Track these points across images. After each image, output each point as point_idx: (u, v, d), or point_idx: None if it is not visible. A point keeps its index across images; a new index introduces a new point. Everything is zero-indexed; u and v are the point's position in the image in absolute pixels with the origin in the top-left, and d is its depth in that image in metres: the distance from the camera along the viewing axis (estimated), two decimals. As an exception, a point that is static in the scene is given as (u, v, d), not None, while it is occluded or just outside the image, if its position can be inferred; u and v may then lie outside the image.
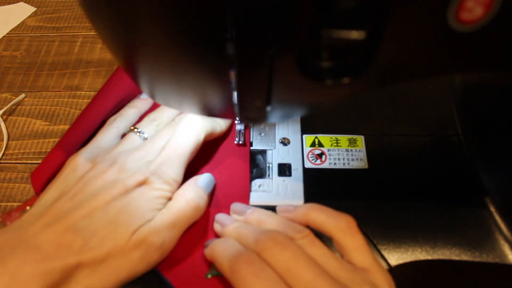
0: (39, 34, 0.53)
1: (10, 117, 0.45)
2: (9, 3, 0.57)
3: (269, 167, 0.35)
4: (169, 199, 0.30)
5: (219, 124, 0.35)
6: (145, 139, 0.33)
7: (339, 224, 0.26)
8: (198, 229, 0.32)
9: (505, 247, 0.31)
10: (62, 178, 0.29)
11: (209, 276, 0.29)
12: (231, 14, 0.15)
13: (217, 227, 0.31)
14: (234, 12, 0.15)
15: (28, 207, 0.33)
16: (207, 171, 0.35)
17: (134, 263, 0.26)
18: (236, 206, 0.32)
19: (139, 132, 0.33)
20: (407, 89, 0.40)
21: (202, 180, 0.32)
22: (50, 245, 0.24)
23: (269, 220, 0.28)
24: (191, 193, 0.30)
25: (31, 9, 0.56)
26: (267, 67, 0.18)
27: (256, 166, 0.35)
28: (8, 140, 0.43)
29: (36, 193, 0.33)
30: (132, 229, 0.26)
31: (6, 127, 0.44)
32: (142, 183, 0.28)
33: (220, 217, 0.31)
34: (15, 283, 0.23)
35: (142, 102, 0.37)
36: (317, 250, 0.25)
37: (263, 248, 0.24)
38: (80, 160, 0.30)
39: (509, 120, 0.32)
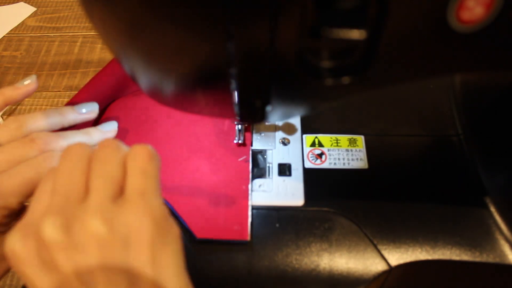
0: (39, 34, 0.53)
1: (10, 117, 0.45)
2: (9, 3, 0.57)
3: (269, 167, 0.35)
4: None
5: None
6: None
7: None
8: None
9: (505, 247, 0.30)
10: None
11: None
12: (231, 10, 0.15)
13: None
14: (235, 6, 0.15)
15: None
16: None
17: None
18: None
19: None
20: (407, 89, 0.40)
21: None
22: None
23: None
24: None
25: (31, 9, 0.56)
26: (267, 67, 0.18)
27: (256, 166, 0.35)
28: (8, 140, 0.43)
29: None
30: None
31: (6, 127, 0.44)
32: None
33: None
34: None
35: (97, 132, 0.32)
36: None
37: None
38: None
39: (509, 120, 0.32)
